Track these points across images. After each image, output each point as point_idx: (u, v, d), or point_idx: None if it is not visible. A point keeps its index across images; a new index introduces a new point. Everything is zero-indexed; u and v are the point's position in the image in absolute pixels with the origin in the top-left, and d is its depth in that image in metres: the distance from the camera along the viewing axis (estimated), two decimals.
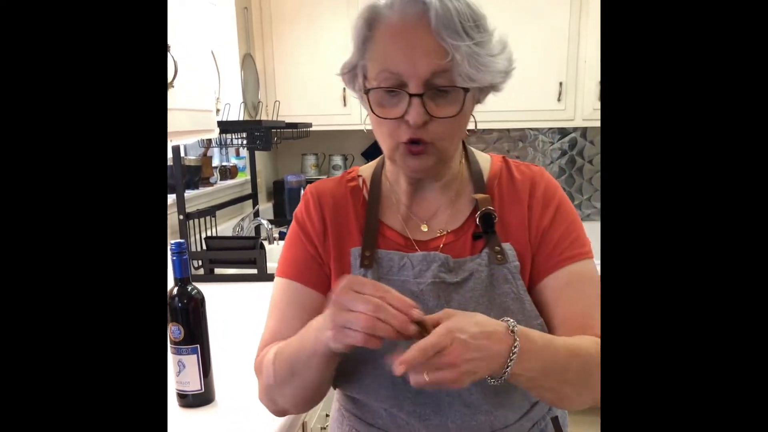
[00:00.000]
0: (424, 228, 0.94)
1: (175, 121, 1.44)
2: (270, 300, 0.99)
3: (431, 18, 0.79)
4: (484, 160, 0.99)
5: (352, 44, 0.88)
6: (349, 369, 0.88)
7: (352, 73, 0.90)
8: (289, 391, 0.88)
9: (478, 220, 0.90)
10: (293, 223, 0.99)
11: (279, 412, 0.95)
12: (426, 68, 0.80)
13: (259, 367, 0.94)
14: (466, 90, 0.82)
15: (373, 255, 0.91)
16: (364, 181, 0.99)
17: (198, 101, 1.59)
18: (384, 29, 0.83)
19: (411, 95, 0.81)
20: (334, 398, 1.04)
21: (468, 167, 0.97)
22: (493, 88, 0.89)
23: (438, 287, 0.87)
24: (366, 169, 1.02)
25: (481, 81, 0.83)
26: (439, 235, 0.93)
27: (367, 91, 0.85)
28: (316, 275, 0.95)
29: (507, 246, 0.90)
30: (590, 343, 0.83)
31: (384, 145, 0.88)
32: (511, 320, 0.77)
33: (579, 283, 0.90)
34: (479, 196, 0.92)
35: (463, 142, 0.98)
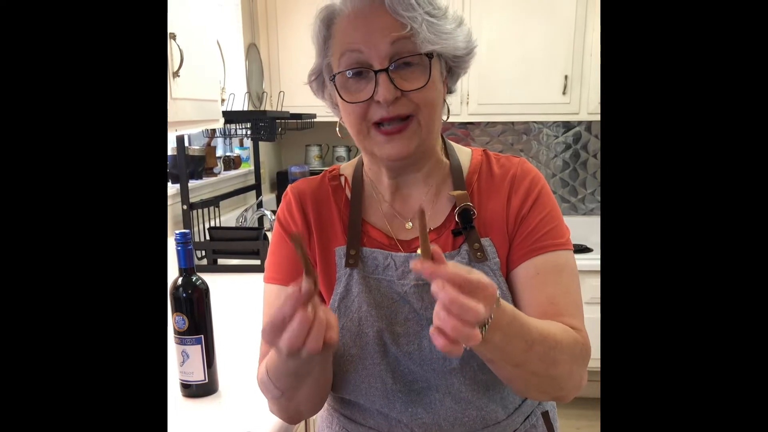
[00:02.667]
0: (409, 226, 0.93)
1: (179, 111, 1.43)
2: (262, 307, 0.98)
3: None
4: (465, 154, 0.97)
5: (314, 48, 0.88)
6: (339, 369, 0.88)
7: (319, 79, 0.90)
8: (302, 394, 0.85)
9: (456, 216, 0.89)
10: (276, 225, 0.98)
11: (293, 419, 0.93)
12: (385, 42, 0.80)
13: (262, 383, 0.90)
14: (429, 57, 0.82)
15: (358, 254, 0.90)
16: (346, 180, 0.98)
17: (203, 91, 1.59)
18: (341, 21, 0.84)
19: (376, 72, 0.80)
20: None
21: (449, 164, 0.95)
22: (458, 66, 0.88)
23: (422, 289, 0.86)
24: (347, 168, 1.00)
25: (442, 46, 0.82)
26: None
27: (332, 78, 0.84)
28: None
29: (486, 241, 0.88)
30: (559, 330, 0.79)
31: (355, 132, 0.86)
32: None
33: (550, 273, 0.87)
34: (457, 192, 0.91)
35: (443, 137, 0.97)
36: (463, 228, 0.88)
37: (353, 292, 0.88)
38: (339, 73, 0.83)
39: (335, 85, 0.84)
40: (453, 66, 0.89)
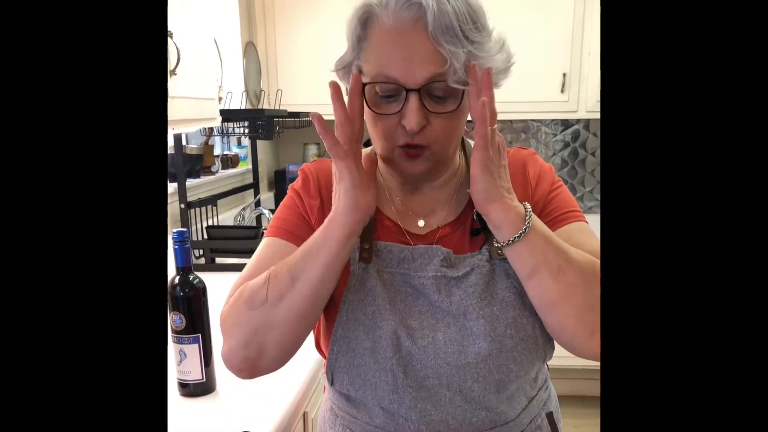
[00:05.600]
0: (421, 223, 0.92)
1: (177, 109, 1.43)
2: (253, 256, 0.93)
3: (428, 22, 0.77)
4: None
5: (347, 41, 0.86)
6: (351, 363, 0.87)
7: (346, 69, 0.88)
8: (282, 309, 0.81)
9: (475, 216, 0.88)
10: (290, 192, 0.96)
11: (254, 359, 0.84)
12: (423, 75, 0.79)
13: (236, 303, 0.84)
14: (463, 90, 0.81)
15: (371, 247, 0.89)
16: None
17: (200, 89, 1.58)
18: (379, 30, 0.81)
19: (408, 91, 0.79)
20: (324, 398, 1.03)
21: (465, 160, 0.95)
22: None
23: (439, 281, 0.86)
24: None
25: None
26: (435, 227, 0.91)
27: (364, 85, 0.82)
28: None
29: None
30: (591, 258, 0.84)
31: (379, 147, 0.86)
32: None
33: (577, 234, 0.89)
34: None
35: (462, 138, 0.96)
36: (483, 228, 0.88)
37: (367, 285, 0.87)
38: (370, 84, 0.82)
39: (364, 93, 0.83)
40: None
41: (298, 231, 0.91)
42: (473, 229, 0.90)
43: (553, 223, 0.89)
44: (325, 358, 0.92)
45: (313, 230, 0.86)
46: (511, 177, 0.87)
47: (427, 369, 0.84)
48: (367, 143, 0.92)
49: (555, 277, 0.80)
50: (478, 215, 0.87)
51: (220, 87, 2.09)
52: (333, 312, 0.88)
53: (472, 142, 0.96)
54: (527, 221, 0.81)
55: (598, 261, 0.83)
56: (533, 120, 3.43)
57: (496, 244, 0.84)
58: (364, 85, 0.82)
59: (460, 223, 0.91)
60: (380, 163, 0.93)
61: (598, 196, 3.50)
